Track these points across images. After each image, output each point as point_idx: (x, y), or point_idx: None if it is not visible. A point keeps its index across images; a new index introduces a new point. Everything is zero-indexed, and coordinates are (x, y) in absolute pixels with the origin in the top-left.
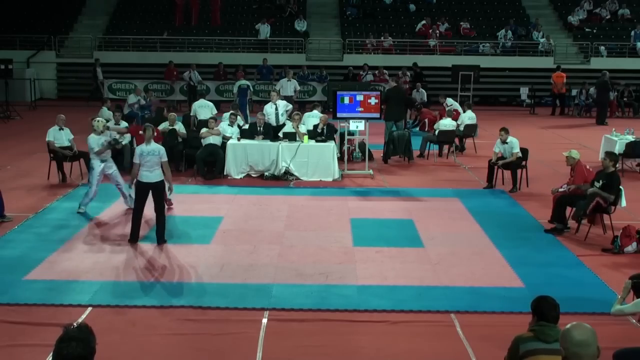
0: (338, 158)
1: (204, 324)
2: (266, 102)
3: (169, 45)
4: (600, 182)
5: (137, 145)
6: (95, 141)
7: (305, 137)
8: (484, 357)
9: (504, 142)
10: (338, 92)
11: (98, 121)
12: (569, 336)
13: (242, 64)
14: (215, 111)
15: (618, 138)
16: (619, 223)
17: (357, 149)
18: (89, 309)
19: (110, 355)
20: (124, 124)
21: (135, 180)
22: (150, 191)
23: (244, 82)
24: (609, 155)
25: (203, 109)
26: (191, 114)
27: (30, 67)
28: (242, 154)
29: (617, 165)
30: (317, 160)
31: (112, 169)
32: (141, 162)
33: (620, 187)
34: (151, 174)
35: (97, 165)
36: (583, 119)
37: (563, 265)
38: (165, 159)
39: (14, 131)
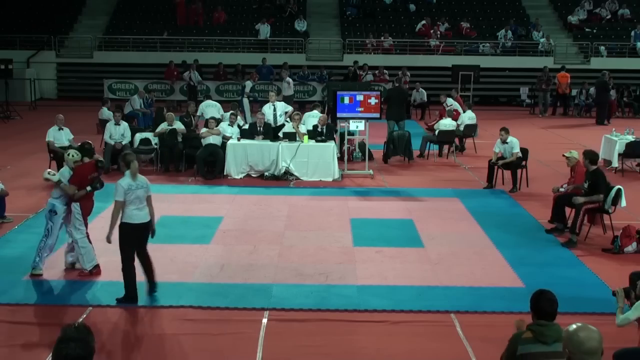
0: (338, 158)
1: (204, 324)
2: (266, 102)
3: (169, 45)
4: (587, 182)
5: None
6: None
7: (305, 137)
8: (484, 357)
9: (504, 142)
10: (338, 92)
11: (72, 155)
12: (578, 342)
13: (242, 64)
14: (222, 111)
15: (618, 138)
16: (619, 223)
17: (357, 149)
18: (89, 309)
19: (110, 356)
20: (124, 124)
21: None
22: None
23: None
24: (587, 154)
25: (210, 108)
26: (198, 114)
27: (30, 67)
28: (242, 154)
29: (617, 165)
30: (317, 160)
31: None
32: (127, 199)
33: (620, 187)
34: (141, 212)
35: (62, 209)
36: (583, 119)
37: (563, 265)
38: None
39: (14, 131)
